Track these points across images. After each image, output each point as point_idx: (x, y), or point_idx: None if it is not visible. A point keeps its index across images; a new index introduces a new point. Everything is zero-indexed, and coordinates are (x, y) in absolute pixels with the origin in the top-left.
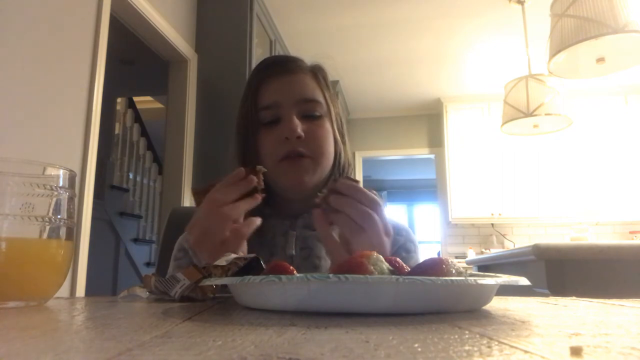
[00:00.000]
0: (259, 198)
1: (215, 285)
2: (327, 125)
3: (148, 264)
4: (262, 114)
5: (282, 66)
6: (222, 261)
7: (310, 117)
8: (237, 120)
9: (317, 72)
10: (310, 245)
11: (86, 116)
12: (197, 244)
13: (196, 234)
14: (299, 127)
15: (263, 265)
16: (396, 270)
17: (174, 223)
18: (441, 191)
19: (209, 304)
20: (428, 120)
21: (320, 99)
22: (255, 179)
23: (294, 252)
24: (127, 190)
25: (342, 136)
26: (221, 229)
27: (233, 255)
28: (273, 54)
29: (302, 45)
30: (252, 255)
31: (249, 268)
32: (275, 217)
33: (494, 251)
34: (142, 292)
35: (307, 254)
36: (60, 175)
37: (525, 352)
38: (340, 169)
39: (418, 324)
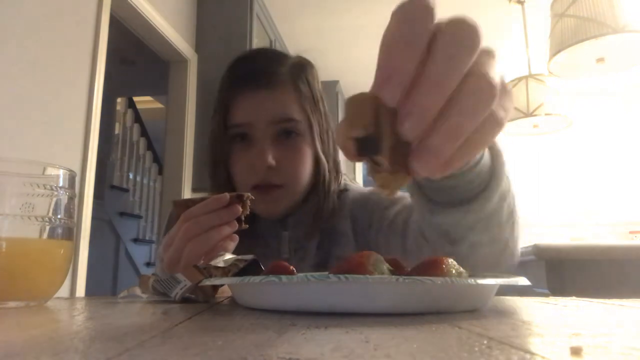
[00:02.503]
0: (236, 226)
1: (214, 286)
2: (305, 146)
3: (148, 264)
4: (232, 131)
5: (256, 80)
6: (220, 262)
7: (287, 134)
8: (209, 130)
9: (297, 79)
10: (305, 245)
11: (86, 116)
12: (169, 267)
13: (169, 257)
14: (270, 156)
15: (262, 267)
16: (396, 270)
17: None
18: None
19: (209, 304)
20: None
21: (299, 116)
22: (239, 209)
23: (287, 254)
24: (127, 190)
25: (329, 147)
26: (191, 260)
27: (233, 257)
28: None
29: (302, 45)
30: (251, 256)
31: (248, 269)
32: (265, 217)
33: None
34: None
35: (302, 255)
36: (60, 175)
37: (525, 352)
38: (325, 187)
39: (418, 324)
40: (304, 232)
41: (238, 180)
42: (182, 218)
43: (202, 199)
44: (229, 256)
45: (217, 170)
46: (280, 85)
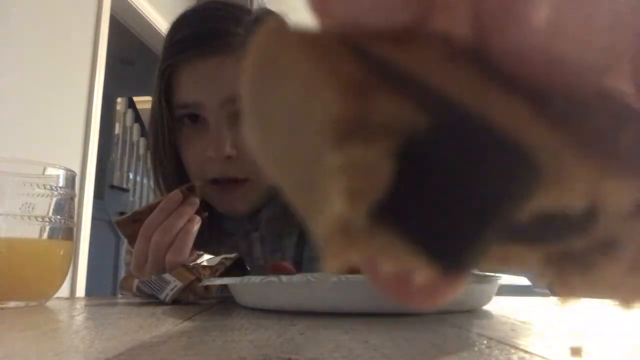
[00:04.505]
0: (200, 219)
1: (205, 286)
2: None
3: None
4: (178, 112)
5: (205, 44)
6: (203, 261)
7: None
8: (151, 109)
9: None
10: (284, 245)
11: (86, 116)
12: None
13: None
14: (229, 144)
15: (247, 266)
16: None
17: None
18: None
19: (208, 304)
20: None
21: None
22: (197, 199)
23: (262, 260)
24: (127, 190)
25: None
26: (174, 269)
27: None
28: None
29: None
30: (235, 254)
31: (234, 267)
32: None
33: None
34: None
35: (282, 256)
36: (60, 175)
37: (525, 352)
38: None
39: (418, 324)
40: (279, 229)
41: (191, 174)
42: (142, 232)
43: (148, 207)
44: (207, 256)
45: (162, 161)
46: (236, 51)
